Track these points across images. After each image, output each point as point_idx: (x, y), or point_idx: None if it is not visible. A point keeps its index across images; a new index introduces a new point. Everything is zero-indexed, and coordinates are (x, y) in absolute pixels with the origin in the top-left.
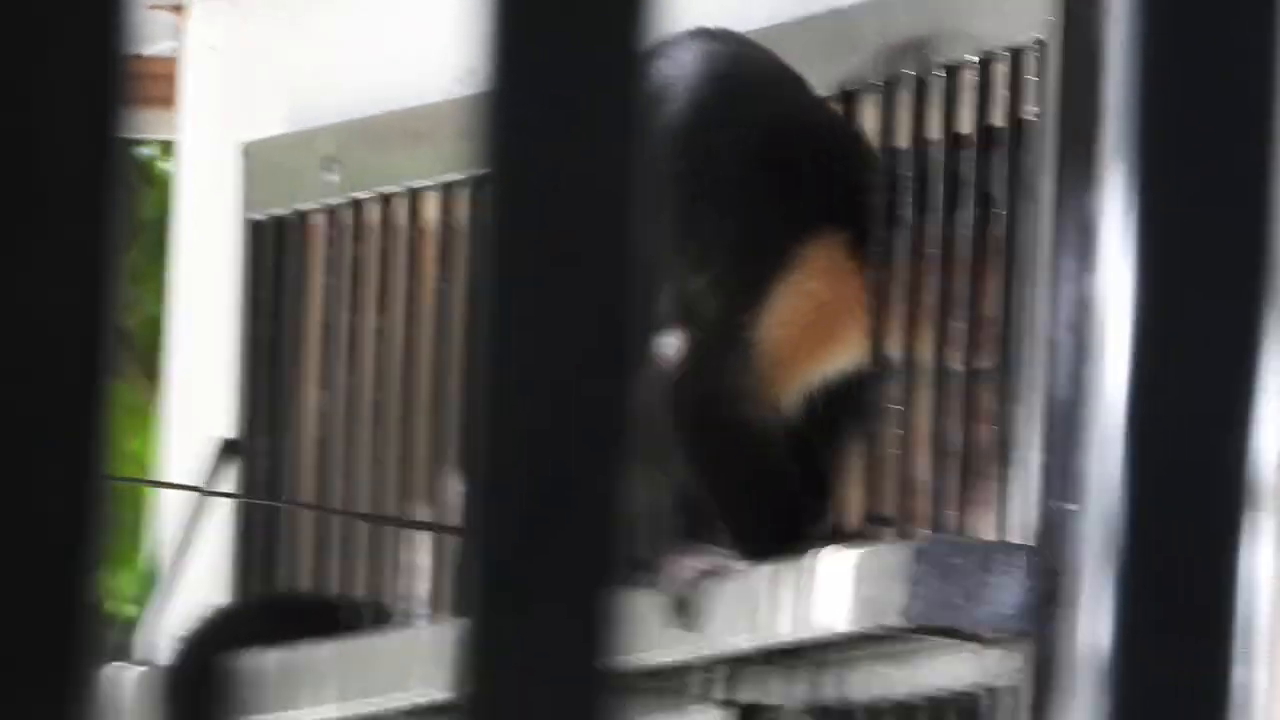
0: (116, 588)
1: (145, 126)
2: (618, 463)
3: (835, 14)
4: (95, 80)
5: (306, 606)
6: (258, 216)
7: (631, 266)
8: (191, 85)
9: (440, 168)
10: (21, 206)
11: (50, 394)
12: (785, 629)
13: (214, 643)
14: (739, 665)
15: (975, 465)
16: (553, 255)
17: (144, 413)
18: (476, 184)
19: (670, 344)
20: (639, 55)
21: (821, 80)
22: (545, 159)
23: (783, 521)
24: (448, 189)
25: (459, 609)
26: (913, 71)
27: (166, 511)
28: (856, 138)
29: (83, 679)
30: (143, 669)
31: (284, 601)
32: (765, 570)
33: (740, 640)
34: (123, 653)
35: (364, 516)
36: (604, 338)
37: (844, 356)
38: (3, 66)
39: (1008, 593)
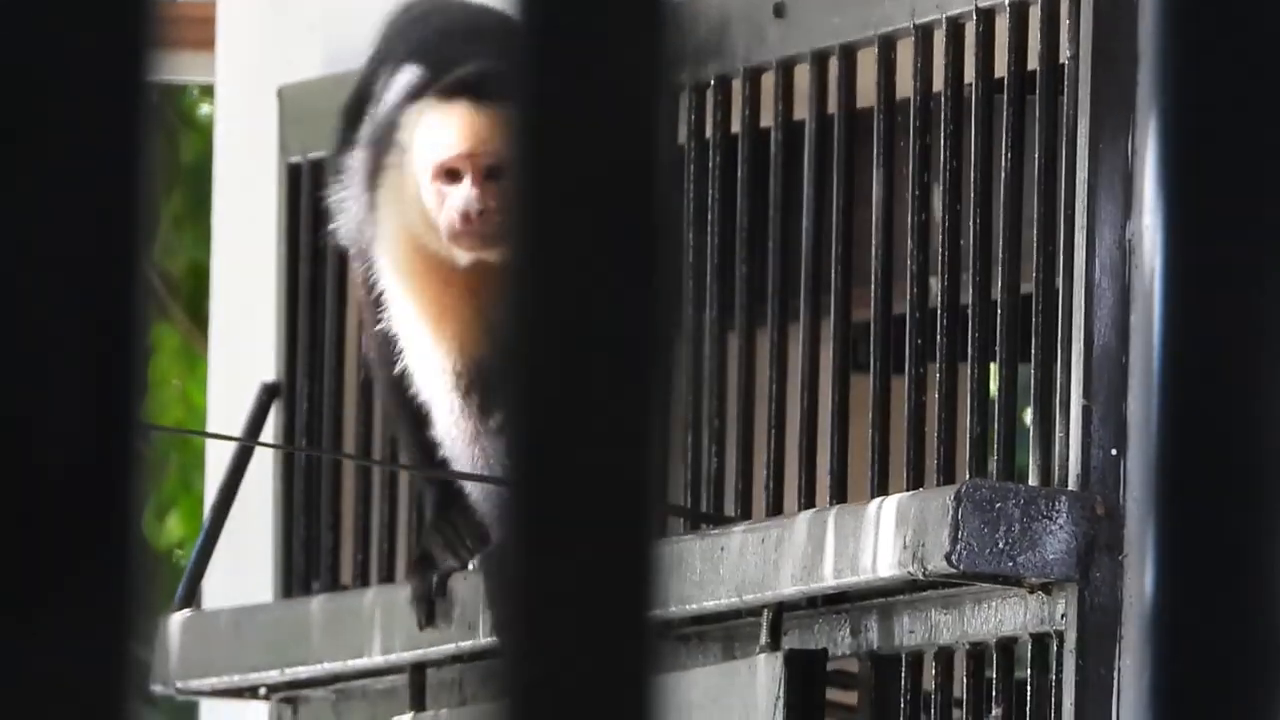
0: (166, 531)
1: (185, 69)
2: (655, 395)
3: None
4: (124, 21)
5: None
6: (296, 159)
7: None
8: (227, 28)
9: None
10: (51, 150)
11: (86, 338)
12: (830, 575)
13: None
14: (785, 612)
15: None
16: (579, 186)
17: (192, 356)
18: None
19: None
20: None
21: (856, 24)
22: (571, 93)
23: None
24: None
25: (504, 557)
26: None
27: (213, 456)
28: None
29: (127, 618)
30: (190, 612)
31: None
32: (810, 517)
33: (786, 587)
34: (174, 596)
35: (406, 468)
36: (633, 261)
37: None
38: (32, 8)
39: (1053, 538)
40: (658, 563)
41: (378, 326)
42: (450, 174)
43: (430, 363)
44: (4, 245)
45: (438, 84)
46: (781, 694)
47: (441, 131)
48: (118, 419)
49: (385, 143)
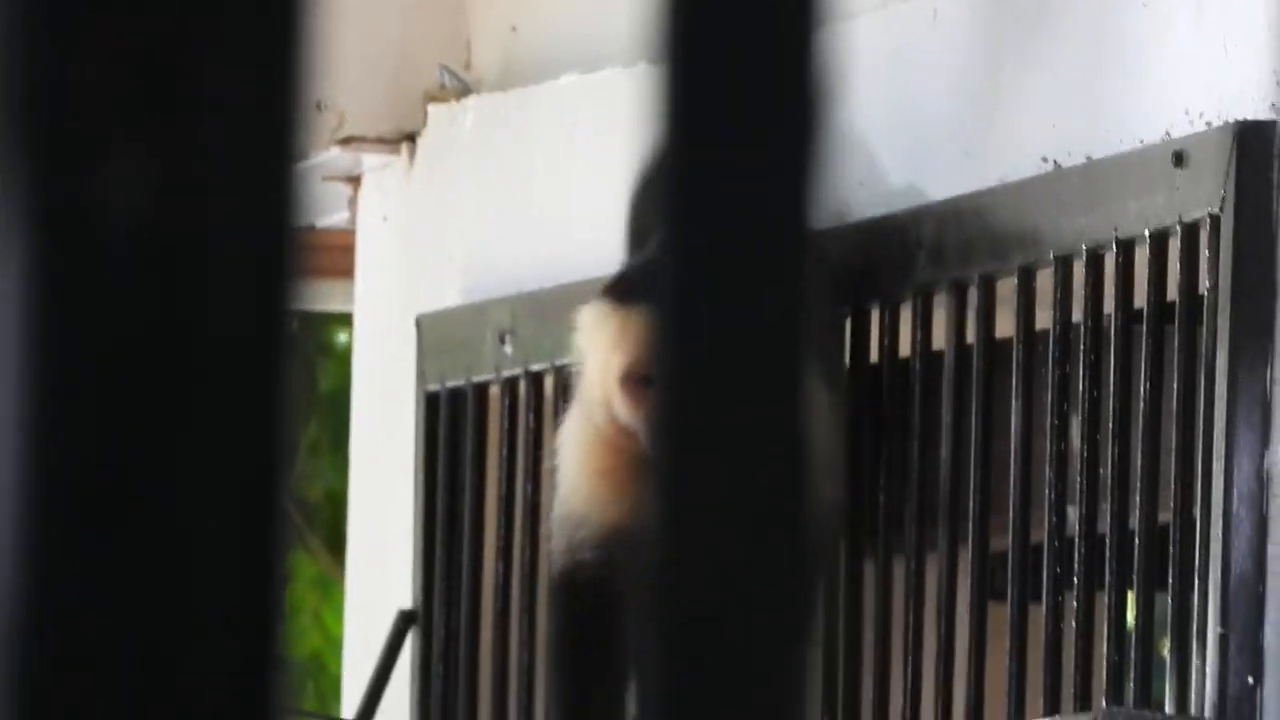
0: None
1: (324, 298)
2: (798, 615)
3: (1013, 187)
4: (265, 252)
5: None
6: (433, 388)
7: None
8: (365, 257)
9: None
10: (193, 378)
11: (224, 565)
12: None
13: None
14: None
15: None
16: (722, 407)
17: (329, 583)
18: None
19: None
20: (801, 267)
21: (995, 254)
22: (711, 317)
23: None
24: None
25: None
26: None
27: (350, 683)
28: None
29: None
30: None
31: None
32: None
33: None
34: None
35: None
36: (776, 481)
37: None
38: (176, 239)
39: None
40: None
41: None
42: (644, 379)
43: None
44: (143, 470)
45: (609, 284)
46: None
47: (625, 340)
48: (256, 645)
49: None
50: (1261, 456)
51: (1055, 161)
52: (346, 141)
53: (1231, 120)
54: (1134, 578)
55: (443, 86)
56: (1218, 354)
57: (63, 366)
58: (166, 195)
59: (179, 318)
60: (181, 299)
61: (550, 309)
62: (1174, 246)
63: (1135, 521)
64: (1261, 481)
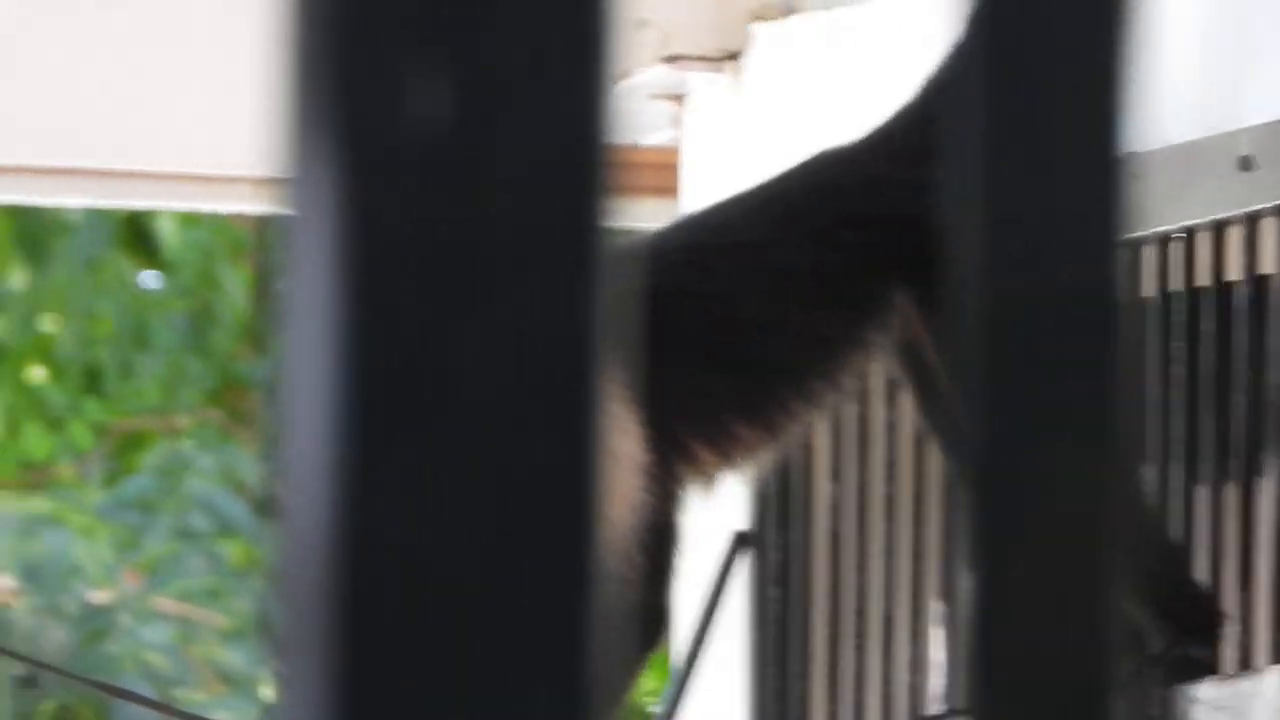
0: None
1: (650, 216)
2: (1110, 555)
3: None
4: (577, 167)
5: None
6: None
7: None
8: (690, 175)
9: None
10: (502, 290)
11: (543, 484)
12: None
13: None
14: None
15: None
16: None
17: None
18: None
19: None
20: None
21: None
22: (1020, 243)
23: None
24: None
25: (972, 708)
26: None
27: (683, 604)
28: None
29: None
30: None
31: None
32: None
33: None
34: None
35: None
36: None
37: None
38: (487, 153)
39: None
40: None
41: None
42: None
43: None
44: (452, 376)
45: None
46: None
47: None
48: (577, 561)
49: None
50: None
51: None
52: (671, 59)
53: None
54: None
55: (767, 5)
56: None
57: (369, 286)
58: (470, 105)
59: (485, 231)
60: (487, 212)
61: None
62: None
63: None
64: None
